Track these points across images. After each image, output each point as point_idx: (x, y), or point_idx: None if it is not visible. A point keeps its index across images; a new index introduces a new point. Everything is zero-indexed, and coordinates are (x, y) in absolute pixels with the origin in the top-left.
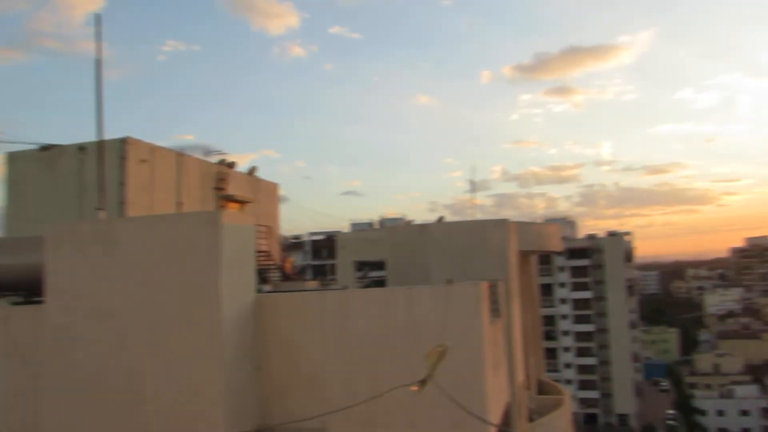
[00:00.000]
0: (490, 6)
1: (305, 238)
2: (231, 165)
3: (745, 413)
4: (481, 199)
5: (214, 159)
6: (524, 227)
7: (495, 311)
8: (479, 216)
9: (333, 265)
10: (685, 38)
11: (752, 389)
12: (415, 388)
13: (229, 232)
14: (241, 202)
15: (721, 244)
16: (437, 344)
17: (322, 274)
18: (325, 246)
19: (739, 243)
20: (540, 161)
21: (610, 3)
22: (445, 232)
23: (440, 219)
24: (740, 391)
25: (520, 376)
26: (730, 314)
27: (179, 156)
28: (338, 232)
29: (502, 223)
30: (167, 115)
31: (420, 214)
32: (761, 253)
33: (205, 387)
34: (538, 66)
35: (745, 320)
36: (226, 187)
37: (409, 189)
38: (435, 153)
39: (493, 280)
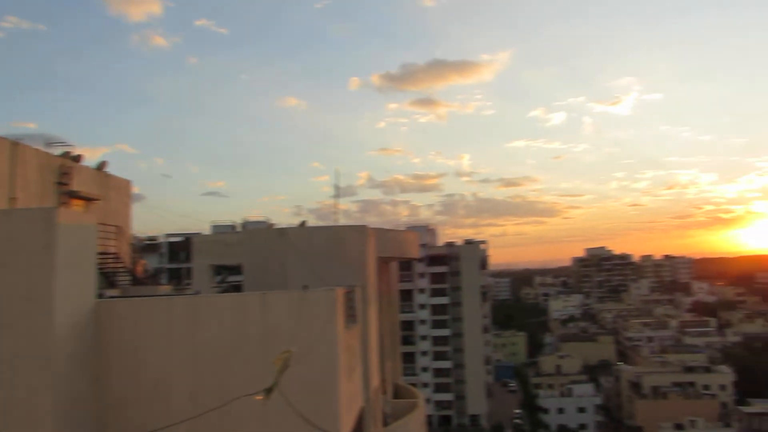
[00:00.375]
0: (361, 14)
1: (161, 240)
2: (77, 158)
3: (582, 410)
4: (347, 204)
5: (58, 151)
6: (383, 234)
7: (351, 317)
8: (343, 221)
9: (190, 269)
10: (539, 62)
11: (588, 388)
12: (260, 397)
13: (66, 232)
14: (87, 200)
15: (565, 253)
16: (282, 350)
17: (179, 278)
18: (182, 248)
19: (580, 253)
20: (404, 170)
21: (473, 22)
22: (304, 237)
23: (303, 223)
24: (578, 389)
25: (376, 381)
26: (571, 319)
27: (14, 145)
28: (197, 233)
29: (360, 229)
30: (5, 100)
31: (285, 217)
32: (598, 263)
33: (31, 402)
34: (405, 76)
35: (583, 324)
36: (69, 183)
37: (274, 192)
38: (302, 156)
39: (350, 285)
